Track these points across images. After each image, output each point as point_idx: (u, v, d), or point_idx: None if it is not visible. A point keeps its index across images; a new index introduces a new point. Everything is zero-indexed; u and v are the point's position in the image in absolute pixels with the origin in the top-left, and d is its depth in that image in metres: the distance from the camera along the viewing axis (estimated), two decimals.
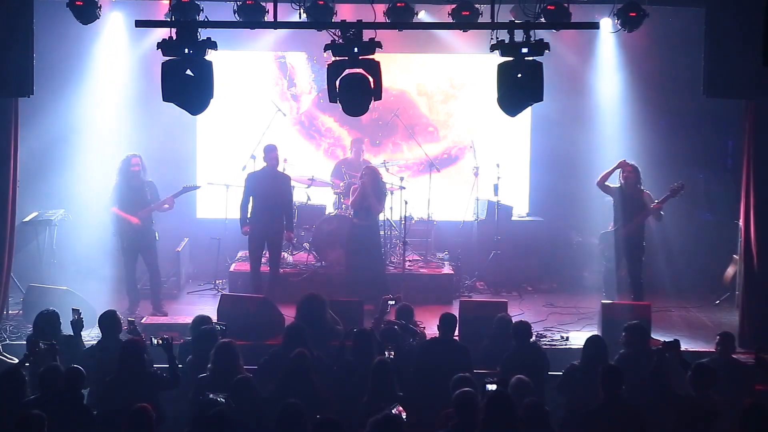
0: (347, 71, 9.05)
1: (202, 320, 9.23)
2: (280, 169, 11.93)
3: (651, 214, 11.41)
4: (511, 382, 7.71)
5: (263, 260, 12.04)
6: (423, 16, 12.29)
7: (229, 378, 7.74)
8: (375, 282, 11.86)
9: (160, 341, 8.33)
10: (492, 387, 7.49)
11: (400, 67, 14.25)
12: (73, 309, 9.25)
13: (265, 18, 9.60)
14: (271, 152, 11.72)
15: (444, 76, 14.54)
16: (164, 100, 9.09)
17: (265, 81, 14.52)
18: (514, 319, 9.55)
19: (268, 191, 11.65)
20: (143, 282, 12.41)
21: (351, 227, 12.25)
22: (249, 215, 11.75)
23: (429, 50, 14.13)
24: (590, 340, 8.79)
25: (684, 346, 10.21)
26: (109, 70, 13.59)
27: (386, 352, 8.34)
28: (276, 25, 9.54)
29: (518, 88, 9.15)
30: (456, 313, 9.76)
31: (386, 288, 11.70)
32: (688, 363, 8.15)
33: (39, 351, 8.30)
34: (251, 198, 11.71)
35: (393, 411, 6.90)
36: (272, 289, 11.75)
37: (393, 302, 9.91)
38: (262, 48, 14.07)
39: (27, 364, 8.39)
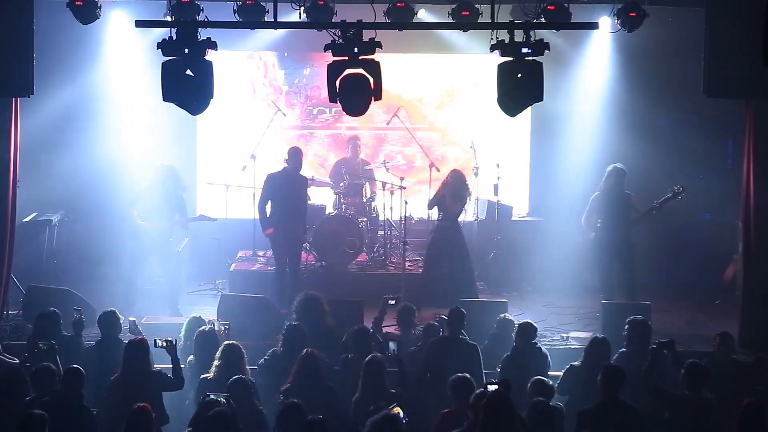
0: (347, 71, 9.05)
1: (198, 322, 9.22)
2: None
3: (643, 219, 11.44)
4: (531, 382, 7.71)
5: None
6: (423, 16, 12.30)
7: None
8: (457, 290, 11.61)
9: (164, 343, 8.33)
10: (493, 387, 7.49)
11: (400, 68, 14.23)
12: (74, 309, 9.26)
13: (265, 18, 9.61)
14: (296, 155, 11.67)
15: (444, 76, 14.53)
16: (164, 100, 9.10)
17: (265, 81, 14.52)
18: (515, 320, 9.55)
19: (290, 194, 11.60)
20: (143, 283, 12.42)
21: (433, 229, 12.18)
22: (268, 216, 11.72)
23: (429, 50, 14.12)
24: (594, 340, 8.79)
25: (684, 346, 10.24)
26: (109, 69, 13.61)
27: (390, 345, 8.36)
28: (276, 25, 9.54)
29: (518, 88, 9.15)
30: None
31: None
32: (682, 362, 8.15)
33: (38, 351, 8.31)
34: (270, 200, 11.66)
35: (391, 411, 6.89)
36: (294, 294, 11.61)
37: (393, 302, 9.90)
38: (264, 48, 14.10)
39: (27, 364, 8.39)
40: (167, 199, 11.61)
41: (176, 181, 11.71)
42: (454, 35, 13.42)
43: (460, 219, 12.15)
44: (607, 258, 11.57)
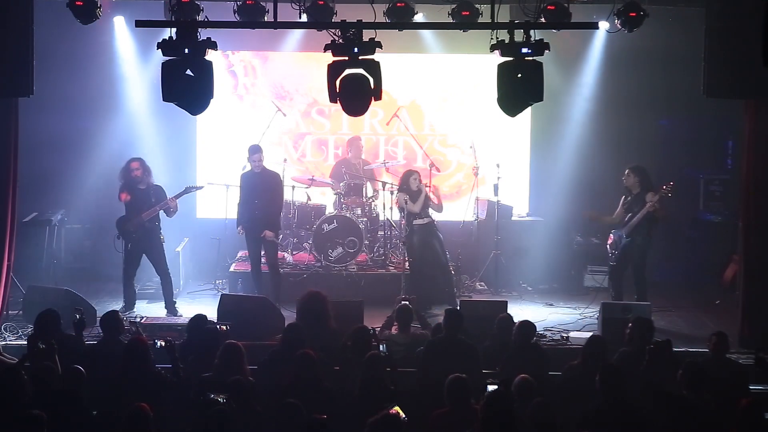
0: (347, 71, 9.05)
1: (202, 320, 9.23)
2: (279, 170, 11.92)
3: (645, 215, 11.45)
4: (514, 382, 7.70)
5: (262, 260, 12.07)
6: (422, 16, 12.29)
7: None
8: (445, 282, 12.06)
9: (164, 343, 8.32)
10: (493, 387, 7.48)
11: (400, 68, 14.22)
12: (75, 308, 9.25)
13: (265, 18, 9.61)
14: (253, 153, 11.75)
15: (444, 77, 14.53)
16: (164, 100, 9.09)
17: (266, 81, 14.52)
18: (515, 319, 9.54)
19: (257, 191, 11.70)
20: (142, 283, 12.43)
21: (412, 230, 12.20)
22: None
23: (429, 51, 14.12)
24: (591, 340, 8.78)
25: (684, 346, 10.24)
26: (108, 69, 13.62)
27: (379, 346, 8.36)
28: (276, 25, 9.54)
29: (518, 88, 9.14)
30: None
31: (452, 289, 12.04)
32: (680, 362, 8.14)
33: (38, 351, 8.30)
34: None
35: (391, 411, 6.90)
36: (276, 289, 11.71)
37: (408, 303, 9.90)
38: (264, 48, 14.12)
39: (27, 364, 8.39)
40: (144, 194, 11.56)
41: (148, 172, 11.65)
42: (454, 35, 13.42)
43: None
44: (625, 259, 11.58)
